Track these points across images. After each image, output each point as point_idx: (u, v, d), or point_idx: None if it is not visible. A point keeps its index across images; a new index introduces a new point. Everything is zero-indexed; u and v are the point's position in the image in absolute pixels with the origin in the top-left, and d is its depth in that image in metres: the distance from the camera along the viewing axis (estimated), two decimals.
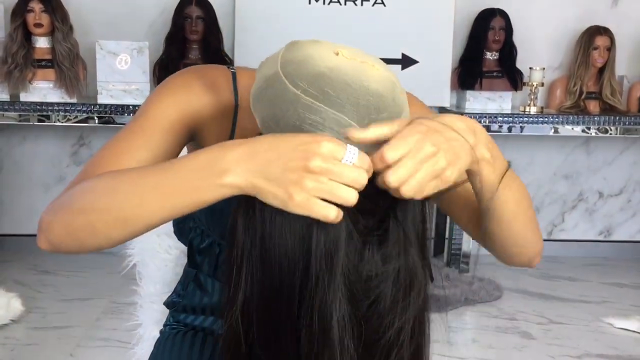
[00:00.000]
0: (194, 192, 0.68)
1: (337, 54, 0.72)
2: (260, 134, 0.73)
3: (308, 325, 0.68)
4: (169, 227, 1.11)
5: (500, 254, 0.91)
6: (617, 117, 3.01)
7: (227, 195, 0.68)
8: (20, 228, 3.19)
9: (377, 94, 0.70)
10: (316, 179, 0.64)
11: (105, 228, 0.71)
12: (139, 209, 0.70)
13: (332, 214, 0.65)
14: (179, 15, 2.96)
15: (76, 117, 2.78)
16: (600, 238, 3.48)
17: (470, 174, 0.75)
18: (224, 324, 0.72)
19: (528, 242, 0.89)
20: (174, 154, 0.87)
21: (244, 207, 0.70)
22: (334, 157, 0.65)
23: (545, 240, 3.71)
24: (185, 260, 1.07)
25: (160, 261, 1.19)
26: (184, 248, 1.06)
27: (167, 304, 1.10)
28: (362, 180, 0.66)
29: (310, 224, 0.67)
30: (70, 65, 2.80)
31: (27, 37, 2.81)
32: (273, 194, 0.65)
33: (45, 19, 2.78)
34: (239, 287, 0.70)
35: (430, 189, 0.68)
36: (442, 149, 0.68)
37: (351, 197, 0.66)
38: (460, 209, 0.91)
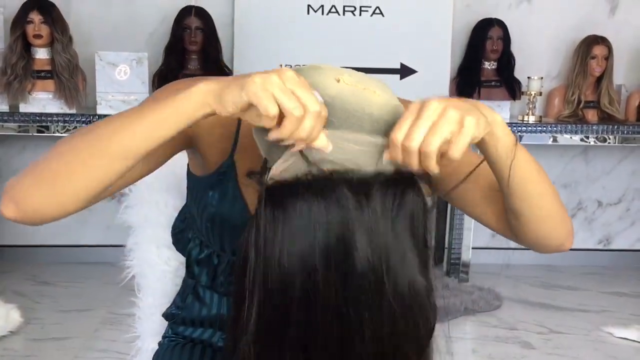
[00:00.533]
0: (173, 105, 0.69)
1: (339, 80, 0.73)
2: (266, 160, 0.74)
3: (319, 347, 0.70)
4: (168, 238, 1.11)
5: (532, 237, 0.87)
6: (616, 126, 3.02)
7: (200, 104, 0.69)
8: (19, 238, 3.18)
9: (380, 120, 0.71)
10: (281, 78, 0.66)
11: (83, 161, 0.71)
12: (122, 135, 0.70)
13: (273, 111, 0.65)
14: (178, 26, 2.98)
15: (75, 127, 2.78)
16: (600, 247, 3.48)
17: (484, 143, 0.74)
18: (236, 353, 0.72)
19: (557, 217, 0.86)
20: (167, 152, 0.87)
21: (254, 235, 0.70)
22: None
23: None
24: (184, 272, 1.07)
25: (159, 273, 1.18)
26: (183, 260, 1.06)
27: (166, 315, 1.10)
28: (313, 107, 0.66)
29: (313, 244, 0.68)
30: (70, 76, 2.80)
31: (27, 48, 2.81)
32: (236, 85, 0.67)
33: (44, 30, 2.78)
34: (250, 315, 0.71)
35: (460, 144, 0.68)
36: (449, 106, 0.68)
37: (282, 111, 0.66)
38: (484, 202, 0.90)
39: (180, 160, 0.99)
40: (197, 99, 0.69)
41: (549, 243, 0.89)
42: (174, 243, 1.11)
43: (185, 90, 0.70)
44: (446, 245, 3.17)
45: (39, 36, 2.78)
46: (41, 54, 2.83)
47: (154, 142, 0.71)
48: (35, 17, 2.77)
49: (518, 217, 0.85)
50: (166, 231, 1.11)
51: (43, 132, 2.80)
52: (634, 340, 2.52)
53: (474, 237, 3.10)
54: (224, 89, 0.68)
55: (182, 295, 1.08)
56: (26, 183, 0.73)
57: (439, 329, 0.77)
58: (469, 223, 3.04)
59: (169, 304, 1.11)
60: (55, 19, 2.80)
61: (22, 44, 2.79)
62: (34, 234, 3.17)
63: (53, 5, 2.84)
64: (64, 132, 2.79)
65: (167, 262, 1.17)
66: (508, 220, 0.87)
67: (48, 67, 2.83)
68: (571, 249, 3.42)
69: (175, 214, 1.10)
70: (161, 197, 1.11)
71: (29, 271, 3.03)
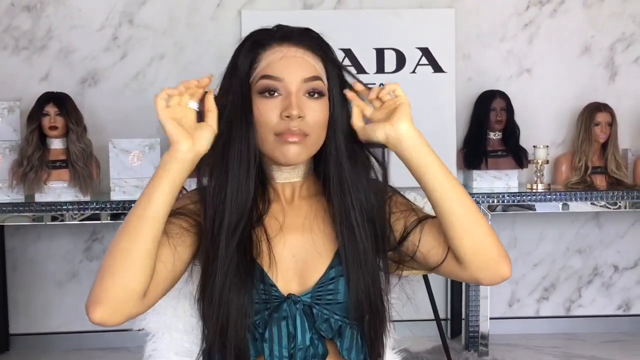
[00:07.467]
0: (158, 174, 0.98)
1: None
2: None
3: None
4: (186, 345, 1.12)
5: (467, 246, 0.99)
6: (625, 192, 3.02)
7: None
8: (33, 327, 3.16)
9: None
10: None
11: (127, 237, 0.91)
12: (143, 204, 0.95)
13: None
14: None
15: (90, 214, 2.82)
16: (620, 312, 3.42)
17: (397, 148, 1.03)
18: None
19: (485, 226, 1.00)
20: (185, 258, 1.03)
21: None
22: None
23: (563, 317, 3.58)
24: None
25: None
26: None
27: None
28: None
29: None
30: (84, 165, 2.85)
31: (42, 139, 2.88)
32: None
33: (60, 122, 2.86)
34: None
35: None
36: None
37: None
38: (435, 245, 1.05)
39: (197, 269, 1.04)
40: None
41: (485, 259, 0.99)
42: None
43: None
44: (463, 317, 3.12)
45: (54, 128, 2.85)
46: (56, 144, 2.90)
47: (164, 202, 0.94)
48: (51, 109, 2.85)
49: (447, 221, 1.00)
50: (184, 337, 1.12)
51: (57, 219, 2.84)
52: None
53: (490, 307, 3.05)
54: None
55: None
56: (97, 285, 0.89)
57: None
58: (485, 291, 3.01)
59: None
60: (70, 111, 2.88)
61: (38, 135, 2.86)
62: (47, 322, 3.15)
63: (68, 97, 2.93)
64: (78, 218, 2.82)
65: None
66: (448, 240, 1.01)
67: (63, 157, 2.88)
68: (591, 316, 3.32)
69: (193, 320, 1.11)
70: (178, 303, 1.12)
71: None
